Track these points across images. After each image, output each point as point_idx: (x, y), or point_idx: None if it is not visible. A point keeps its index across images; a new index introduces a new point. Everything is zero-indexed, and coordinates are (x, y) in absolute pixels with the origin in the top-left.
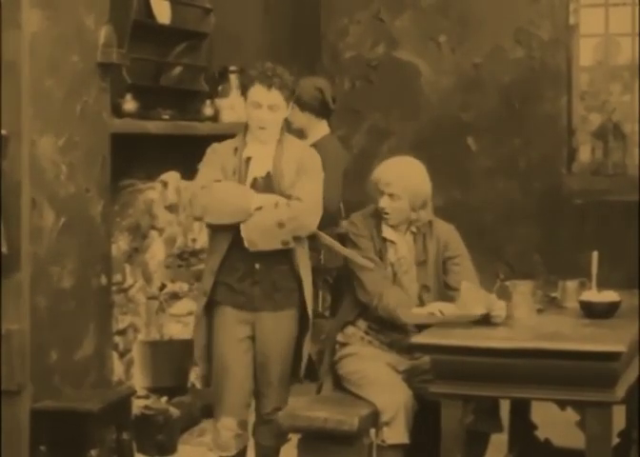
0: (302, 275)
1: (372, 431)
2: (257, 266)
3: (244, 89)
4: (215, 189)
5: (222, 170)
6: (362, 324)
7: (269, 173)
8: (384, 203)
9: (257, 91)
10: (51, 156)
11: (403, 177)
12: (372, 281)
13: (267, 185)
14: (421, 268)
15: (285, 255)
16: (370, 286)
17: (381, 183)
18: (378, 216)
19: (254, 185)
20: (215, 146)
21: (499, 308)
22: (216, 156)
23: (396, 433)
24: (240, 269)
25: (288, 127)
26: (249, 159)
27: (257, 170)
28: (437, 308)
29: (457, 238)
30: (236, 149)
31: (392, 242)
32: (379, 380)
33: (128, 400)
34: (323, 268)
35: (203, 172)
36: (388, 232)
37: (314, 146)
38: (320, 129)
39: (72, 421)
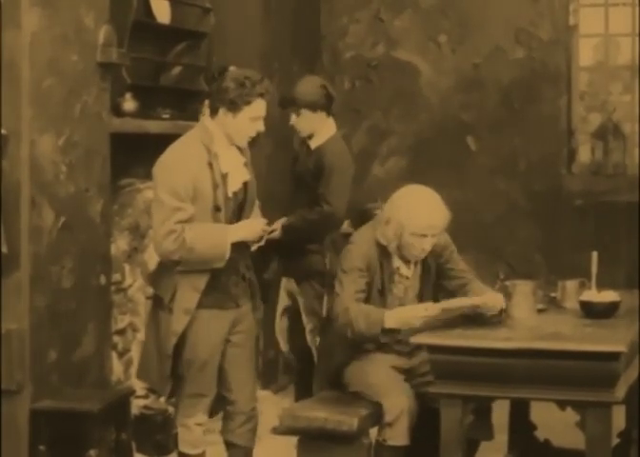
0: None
1: (372, 431)
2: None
3: (238, 102)
4: (194, 238)
5: (194, 190)
6: None
7: (244, 183)
8: (427, 245)
9: (260, 106)
10: (51, 156)
11: (445, 216)
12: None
13: (243, 196)
14: (425, 288)
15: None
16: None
17: (431, 228)
18: (383, 247)
19: (234, 198)
20: (177, 163)
21: (493, 299)
22: (185, 177)
23: (398, 435)
24: (226, 275)
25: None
26: (226, 174)
27: (235, 184)
28: (422, 307)
29: (443, 236)
30: (211, 164)
31: (406, 277)
32: (384, 382)
33: (127, 400)
34: (328, 273)
35: (169, 205)
36: (403, 269)
37: (323, 147)
38: (329, 127)
39: (72, 421)
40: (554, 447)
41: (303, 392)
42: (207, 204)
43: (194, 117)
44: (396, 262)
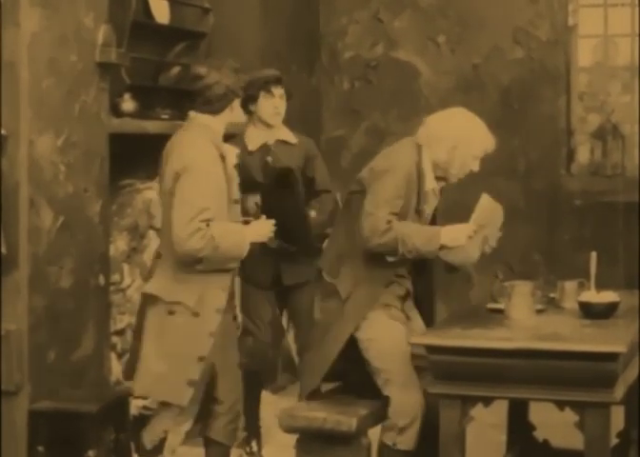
0: None
1: (372, 431)
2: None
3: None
4: (219, 236)
5: (215, 187)
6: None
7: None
8: (477, 167)
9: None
10: (50, 156)
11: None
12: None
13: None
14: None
15: None
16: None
17: (488, 151)
18: (421, 166)
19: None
20: (200, 162)
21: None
22: (210, 175)
23: (409, 439)
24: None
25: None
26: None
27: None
28: (468, 225)
29: None
30: (223, 158)
31: (436, 198)
32: (400, 370)
33: (125, 400)
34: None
35: (196, 205)
36: (436, 189)
37: (303, 138)
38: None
39: (70, 421)
40: (553, 448)
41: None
42: (224, 198)
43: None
44: (431, 183)
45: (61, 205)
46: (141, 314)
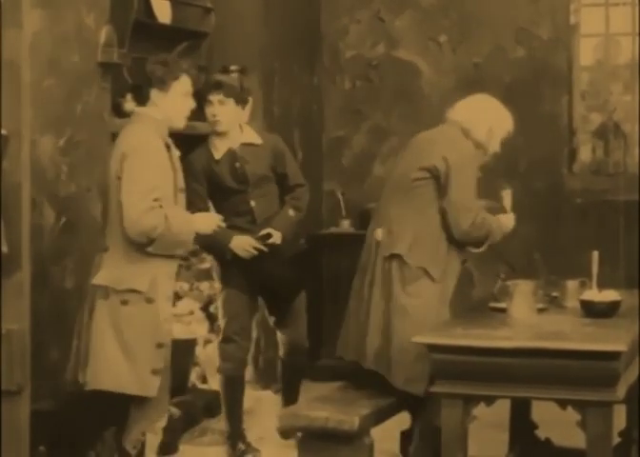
0: None
1: (373, 430)
2: None
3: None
4: (171, 216)
5: (162, 171)
6: None
7: None
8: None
9: (188, 82)
10: (52, 156)
11: None
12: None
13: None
14: None
15: None
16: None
17: (510, 130)
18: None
19: None
20: (147, 144)
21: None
22: (157, 156)
23: None
24: None
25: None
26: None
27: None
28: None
29: None
30: (168, 147)
31: None
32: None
33: (126, 400)
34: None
35: (147, 183)
36: None
37: (269, 136)
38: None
39: (72, 421)
40: (555, 446)
41: None
42: (170, 184)
43: (195, 117)
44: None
45: (63, 204)
46: (90, 308)
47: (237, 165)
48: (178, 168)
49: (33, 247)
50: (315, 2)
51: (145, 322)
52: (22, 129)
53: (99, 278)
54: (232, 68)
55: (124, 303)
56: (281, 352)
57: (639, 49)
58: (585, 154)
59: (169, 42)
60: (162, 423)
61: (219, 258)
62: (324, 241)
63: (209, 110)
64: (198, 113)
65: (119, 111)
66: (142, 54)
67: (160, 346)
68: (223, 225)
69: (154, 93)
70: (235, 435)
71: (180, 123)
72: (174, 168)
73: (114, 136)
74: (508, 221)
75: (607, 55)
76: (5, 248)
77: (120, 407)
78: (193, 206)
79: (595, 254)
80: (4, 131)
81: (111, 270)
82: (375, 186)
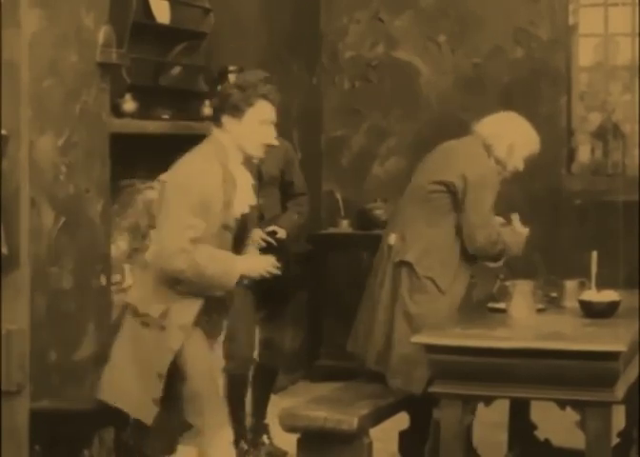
0: None
1: (371, 430)
2: None
3: (239, 105)
4: (206, 261)
5: (207, 208)
6: None
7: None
8: (522, 166)
9: (266, 108)
10: (51, 156)
11: None
12: None
13: (245, 219)
14: None
15: None
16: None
17: (534, 151)
18: None
19: (238, 220)
20: (193, 178)
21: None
22: (200, 194)
23: None
24: None
25: None
26: (236, 194)
27: (242, 206)
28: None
29: None
30: (225, 181)
31: None
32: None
33: None
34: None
35: (182, 221)
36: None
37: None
38: None
39: (67, 420)
40: (554, 447)
41: None
42: (216, 222)
43: (194, 117)
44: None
45: (62, 205)
46: (120, 320)
47: (254, 160)
48: (231, 204)
49: (32, 247)
50: (315, 2)
51: (154, 348)
52: (21, 130)
53: (129, 295)
54: (231, 68)
55: (144, 325)
56: (255, 353)
57: (638, 50)
58: (584, 155)
59: (167, 42)
60: None
61: None
62: (323, 241)
63: None
64: (198, 113)
65: (118, 112)
66: (141, 55)
67: (160, 376)
68: (276, 270)
69: (226, 119)
70: (239, 435)
71: (256, 152)
72: (226, 204)
73: (113, 136)
74: (520, 229)
75: (606, 56)
76: (4, 249)
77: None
78: None
79: (594, 254)
80: (3, 131)
81: (140, 289)
82: (374, 186)
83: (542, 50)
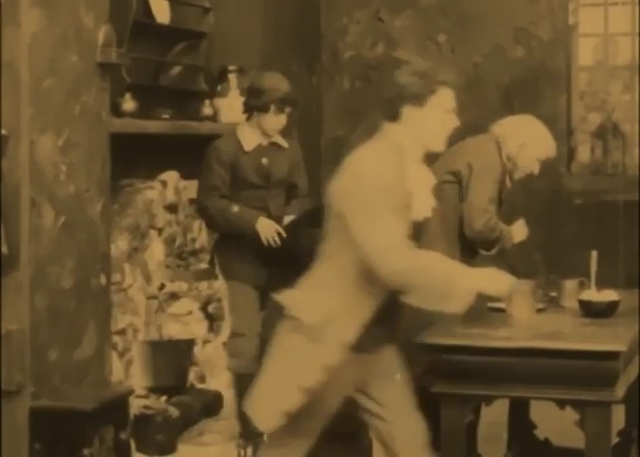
0: None
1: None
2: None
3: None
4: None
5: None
6: None
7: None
8: (538, 170)
9: (449, 96)
10: (51, 156)
11: None
12: None
13: (423, 227)
14: None
15: None
16: None
17: (550, 155)
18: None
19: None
20: (379, 171)
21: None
22: (393, 185)
23: None
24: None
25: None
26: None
27: (420, 209)
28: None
29: None
30: (401, 179)
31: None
32: None
33: (124, 399)
34: None
35: (388, 217)
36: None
37: (293, 143)
38: None
39: (67, 419)
40: (554, 446)
41: None
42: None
43: (194, 117)
44: (510, 178)
45: (62, 205)
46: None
47: (264, 161)
48: (408, 206)
49: (32, 247)
50: (315, 2)
51: (301, 357)
52: (21, 129)
53: (285, 295)
54: (231, 68)
55: (296, 330)
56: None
57: (638, 50)
58: (583, 154)
59: (167, 42)
60: None
61: (233, 236)
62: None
63: (278, 119)
64: (198, 113)
65: (118, 111)
66: (141, 54)
67: (302, 390)
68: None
69: (407, 110)
70: (247, 434)
71: (438, 146)
72: (404, 207)
73: (113, 136)
74: (519, 232)
75: (606, 55)
76: (4, 249)
77: (119, 407)
78: (217, 190)
79: (594, 254)
80: (3, 131)
81: (301, 290)
82: None
83: (542, 50)
